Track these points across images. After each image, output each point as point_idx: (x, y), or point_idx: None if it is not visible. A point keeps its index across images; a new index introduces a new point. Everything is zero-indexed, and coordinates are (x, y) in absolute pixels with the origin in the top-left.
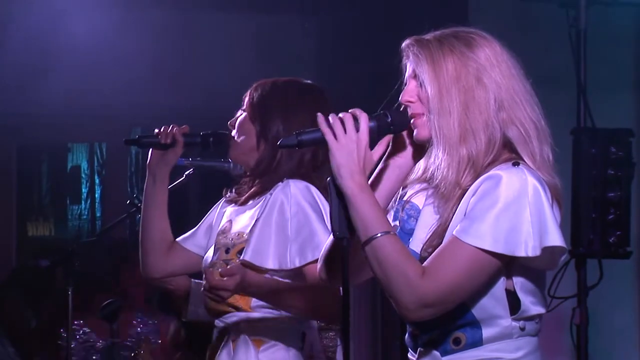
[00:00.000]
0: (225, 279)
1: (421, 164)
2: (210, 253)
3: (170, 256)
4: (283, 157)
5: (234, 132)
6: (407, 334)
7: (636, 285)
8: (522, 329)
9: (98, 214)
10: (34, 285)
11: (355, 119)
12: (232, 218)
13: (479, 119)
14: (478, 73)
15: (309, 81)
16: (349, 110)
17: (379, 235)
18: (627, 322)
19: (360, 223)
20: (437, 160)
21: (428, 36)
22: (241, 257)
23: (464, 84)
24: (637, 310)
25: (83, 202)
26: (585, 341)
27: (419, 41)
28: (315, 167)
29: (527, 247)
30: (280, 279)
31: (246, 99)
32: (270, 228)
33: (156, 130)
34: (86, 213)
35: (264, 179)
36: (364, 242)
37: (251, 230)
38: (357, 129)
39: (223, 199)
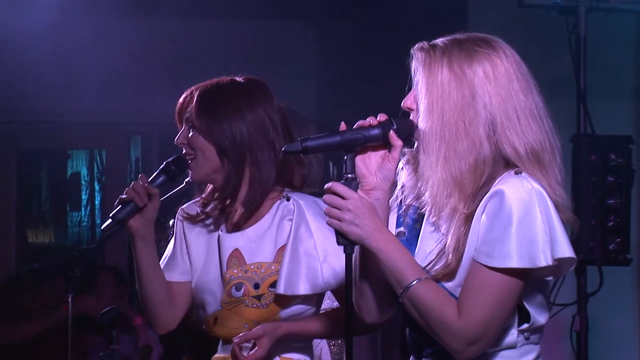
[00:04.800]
0: (252, 352)
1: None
2: (215, 286)
3: (175, 302)
4: (254, 169)
5: (187, 151)
6: (409, 341)
7: (636, 292)
8: (527, 339)
9: (98, 221)
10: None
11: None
12: (237, 245)
13: (465, 140)
14: (471, 92)
15: (239, 77)
16: (331, 185)
17: (412, 283)
18: (627, 328)
19: (392, 277)
20: (422, 178)
21: (437, 41)
22: (275, 291)
23: (454, 102)
24: (637, 317)
25: (83, 208)
26: (585, 348)
27: (423, 48)
28: (297, 170)
29: (545, 257)
30: (309, 314)
31: (189, 113)
32: (299, 254)
33: (122, 197)
34: (86, 220)
35: (251, 198)
36: (400, 294)
37: (282, 262)
38: (346, 195)
39: (181, 219)
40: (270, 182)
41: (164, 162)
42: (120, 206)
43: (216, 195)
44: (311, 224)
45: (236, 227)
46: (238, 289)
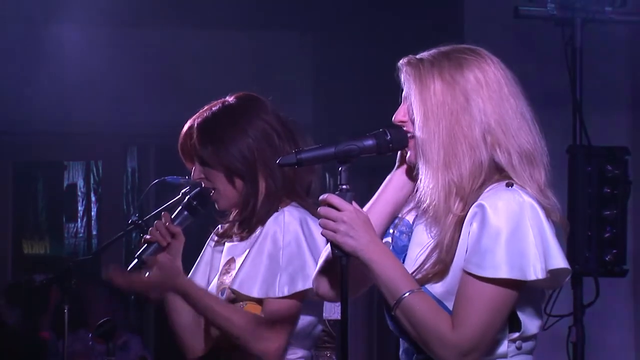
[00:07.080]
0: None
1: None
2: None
3: (200, 323)
4: (269, 181)
5: (206, 185)
6: (401, 350)
7: (632, 303)
8: (519, 349)
9: (94, 232)
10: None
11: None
12: (234, 254)
13: (463, 144)
14: (465, 97)
15: (230, 97)
16: (326, 197)
17: (405, 295)
18: (623, 340)
19: (385, 289)
20: (422, 185)
21: (423, 55)
22: (230, 285)
23: (449, 108)
24: (633, 328)
25: (79, 220)
26: (582, 359)
27: (411, 62)
28: (307, 187)
29: (535, 270)
30: (222, 300)
31: (193, 150)
32: (262, 257)
33: (147, 237)
34: (82, 231)
35: (264, 210)
36: (393, 305)
37: (243, 260)
38: (341, 207)
39: (214, 235)
40: (280, 200)
41: (186, 198)
42: (145, 246)
43: (237, 215)
44: (284, 229)
45: (241, 238)
46: (222, 294)
